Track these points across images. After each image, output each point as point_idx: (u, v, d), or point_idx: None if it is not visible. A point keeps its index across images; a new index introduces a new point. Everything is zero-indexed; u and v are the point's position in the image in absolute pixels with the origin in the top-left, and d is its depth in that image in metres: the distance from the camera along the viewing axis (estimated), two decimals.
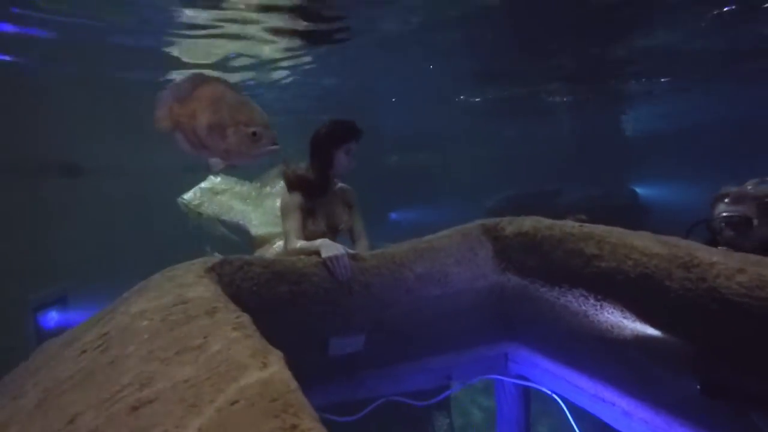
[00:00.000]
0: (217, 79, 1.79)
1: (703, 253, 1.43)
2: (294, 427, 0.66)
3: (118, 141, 8.76)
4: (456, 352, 2.69)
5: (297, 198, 2.46)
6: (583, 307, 2.07)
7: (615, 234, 1.74)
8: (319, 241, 2.15)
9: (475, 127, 16.62)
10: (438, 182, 16.90)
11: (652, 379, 2.02)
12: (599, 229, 1.84)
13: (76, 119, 7.89)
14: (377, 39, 6.65)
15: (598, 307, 1.94)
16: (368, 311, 2.27)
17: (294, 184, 2.50)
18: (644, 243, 1.61)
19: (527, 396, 2.94)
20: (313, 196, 2.50)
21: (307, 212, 2.47)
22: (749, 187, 2.24)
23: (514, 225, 2.20)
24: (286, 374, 0.85)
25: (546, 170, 14.09)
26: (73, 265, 7.08)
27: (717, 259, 1.37)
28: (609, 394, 2.28)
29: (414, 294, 2.28)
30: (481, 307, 2.54)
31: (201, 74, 1.78)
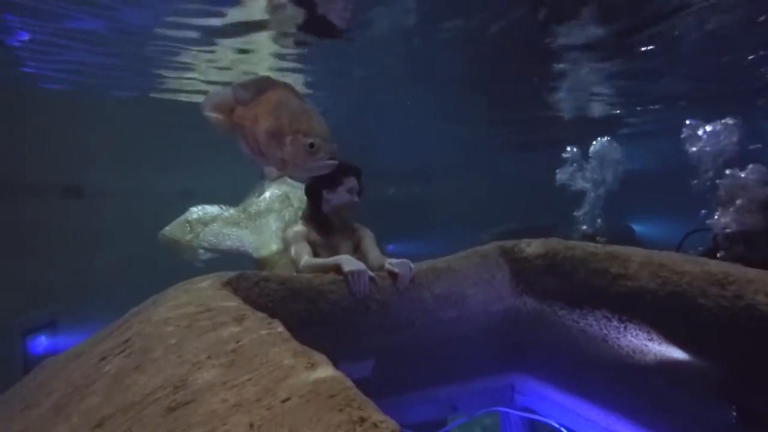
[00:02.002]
0: (284, 85, 1.70)
1: (738, 270, 1.41)
2: (363, 419, 0.62)
3: (113, 164, 8.74)
4: (461, 382, 2.61)
5: (304, 230, 2.50)
6: (604, 331, 2.02)
7: (640, 253, 1.72)
8: (338, 257, 2.11)
9: (472, 161, 16.81)
10: (434, 215, 16.93)
11: (673, 408, 1.96)
12: (623, 248, 1.82)
13: (74, 140, 7.86)
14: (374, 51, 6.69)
15: (622, 329, 1.90)
16: (382, 333, 2.21)
17: (307, 220, 2.59)
18: (673, 260, 1.59)
19: (533, 430, 2.84)
20: (321, 233, 2.54)
21: (316, 254, 2.47)
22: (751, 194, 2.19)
23: (534, 246, 2.19)
24: (338, 372, 0.81)
25: (542, 205, 14.19)
26: (64, 288, 6.91)
27: (754, 276, 1.36)
28: (622, 426, 2.21)
29: (430, 315, 2.23)
30: (493, 333, 2.48)
31: (268, 78, 1.70)
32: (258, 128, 1.66)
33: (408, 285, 2.12)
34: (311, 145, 1.65)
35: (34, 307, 6.17)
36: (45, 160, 7.50)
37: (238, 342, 1.06)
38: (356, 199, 2.53)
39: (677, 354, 1.73)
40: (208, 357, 1.02)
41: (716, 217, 2.22)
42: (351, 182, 2.51)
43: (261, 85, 1.67)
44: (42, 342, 5.65)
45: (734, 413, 1.61)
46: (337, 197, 2.50)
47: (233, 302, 1.43)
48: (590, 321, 2.03)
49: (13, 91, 6.78)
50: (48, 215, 7.53)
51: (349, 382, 0.76)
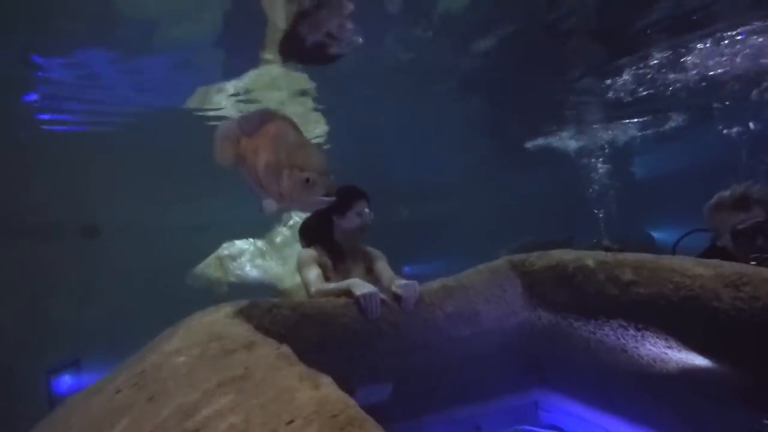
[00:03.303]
0: (284, 117, 1.71)
1: (752, 270, 1.38)
2: None
3: (128, 202, 8.93)
4: (483, 401, 2.56)
5: (315, 253, 2.50)
6: (622, 340, 1.98)
7: (650, 258, 1.70)
8: (349, 281, 2.12)
9: (484, 178, 16.78)
10: (449, 234, 16.88)
11: (704, 419, 1.90)
12: (633, 255, 1.80)
13: (90, 179, 8.03)
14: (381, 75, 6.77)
15: (639, 338, 1.86)
16: (396, 355, 2.20)
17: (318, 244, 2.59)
18: (684, 264, 1.56)
19: None
20: (332, 258, 2.55)
21: (327, 278, 2.48)
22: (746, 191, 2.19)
23: (544, 259, 2.17)
24: (342, 393, 0.81)
25: (558, 218, 14.05)
26: (87, 327, 7.01)
27: None
28: None
29: (444, 334, 2.21)
30: (510, 349, 2.44)
31: (269, 110, 1.71)
32: (257, 161, 1.67)
33: (412, 308, 2.11)
34: (307, 180, 1.63)
35: (58, 346, 6.27)
36: (61, 200, 7.70)
37: (246, 368, 1.07)
38: (367, 222, 2.54)
39: (698, 361, 1.68)
40: (218, 384, 1.03)
41: (717, 217, 2.20)
42: (361, 206, 2.52)
43: (262, 117, 1.68)
44: (66, 381, 5.72)
45: (766, 422, 1.55)
46: (347, 222, 2.51)
47: (244, 330, 1.45)
48: (606, 331, 1.99)
49: (30, 136, 7.02)
50: (69, 256, 7.70)
51: (351, 402, 0.77)
